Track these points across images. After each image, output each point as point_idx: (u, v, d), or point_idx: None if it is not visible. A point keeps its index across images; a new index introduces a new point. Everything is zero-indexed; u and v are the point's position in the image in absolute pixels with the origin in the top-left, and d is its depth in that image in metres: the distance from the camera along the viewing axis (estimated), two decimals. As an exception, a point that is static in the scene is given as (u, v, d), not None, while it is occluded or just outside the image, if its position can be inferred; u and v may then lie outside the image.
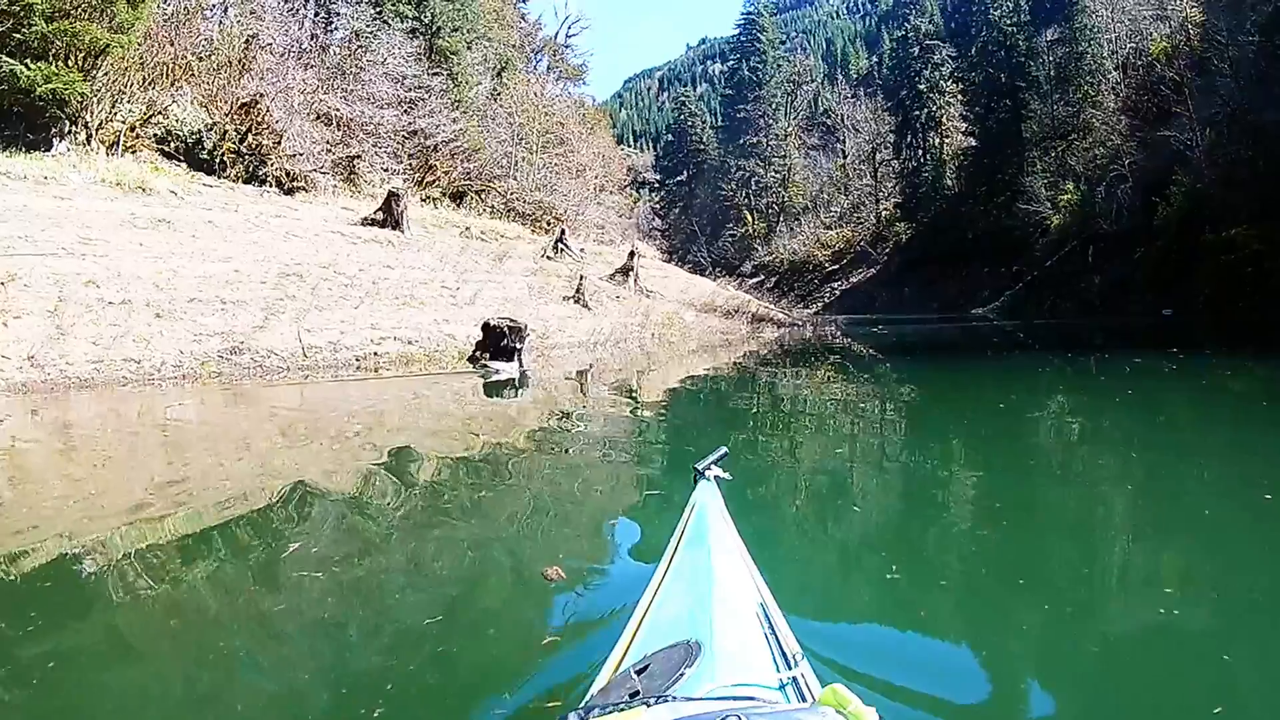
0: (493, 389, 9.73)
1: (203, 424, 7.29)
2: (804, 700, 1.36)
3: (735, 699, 1.31)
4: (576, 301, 16.86)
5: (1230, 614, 2.89)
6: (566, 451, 6.22)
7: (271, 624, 2.87)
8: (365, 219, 17.94)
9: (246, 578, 3.33)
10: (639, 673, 1.47)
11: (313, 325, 10.69)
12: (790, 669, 1.47)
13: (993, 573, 3.36)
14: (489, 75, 33.72)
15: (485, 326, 11.33)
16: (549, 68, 42.86)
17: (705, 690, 1.36)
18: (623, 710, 1.29)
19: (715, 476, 2.60)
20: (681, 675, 1.42)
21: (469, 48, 32.04)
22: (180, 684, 2.45)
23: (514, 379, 10.46)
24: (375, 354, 10.72)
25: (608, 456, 6.07)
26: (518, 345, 10.91)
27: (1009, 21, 45.37)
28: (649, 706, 1.27)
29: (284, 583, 3.22)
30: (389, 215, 18.07)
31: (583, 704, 1.41)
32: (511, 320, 11.19)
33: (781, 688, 1.41)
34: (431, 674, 2.45)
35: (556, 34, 43.91)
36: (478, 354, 11.13)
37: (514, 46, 38.33)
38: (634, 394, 10.03)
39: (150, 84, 18.18)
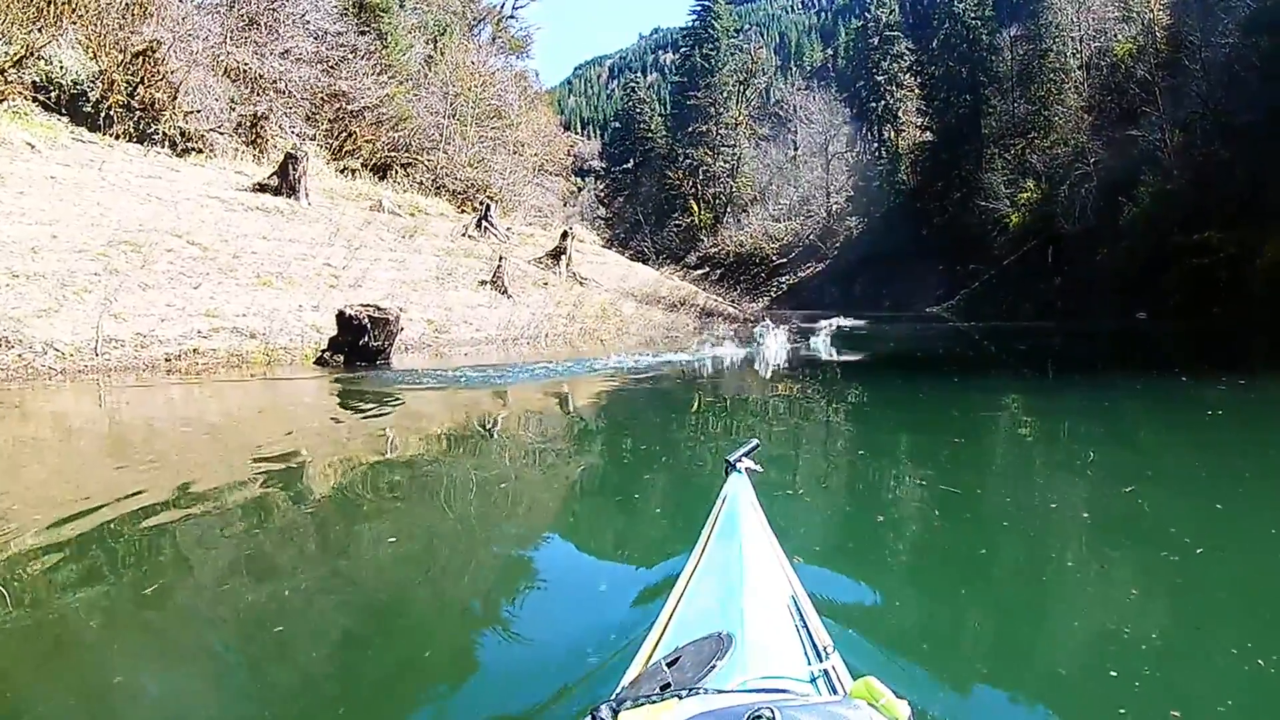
0: (355, 397, 7.50)
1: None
2: (836, 693, 1.33)
3: (767, 691, 1.26)
4: (493, 286, 14.43)
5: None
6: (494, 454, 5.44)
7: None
8: (256, 184, 15.39)
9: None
10: (670, 665, 1.42)
11: (125, 309, 8.06)
12: (822, 661, 1.43)
13: (1028, 581, 3.13)
14: (423, 40, 31.11)
15: (340, 317, 8.83)
16: (492, 38, 40.23)
17: (736, 683, 1.32)
18: (654, 702, 1.26)
19: (746, 469, 2.41)
20: (713, 668, 1.36)
21: (402, 6, 29.53)
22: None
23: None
24: (195, 350, 8.07)
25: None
26: (381, 344, 8.51)
27: (972, 15, 44.20)
28: (680, 699, 1.25)
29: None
30: (284, 181, 15.53)
31: (614, 696, 1.35)
32: (376, 309, 8.69)
33: (813, 680, 1.37)
34: (462, 669, 2.39)
35: (502, 4, 41.17)
36: (327, 354, 8.65)
37: (454, 13, 35.79)
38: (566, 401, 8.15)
39: (29, 22, 15.42)
